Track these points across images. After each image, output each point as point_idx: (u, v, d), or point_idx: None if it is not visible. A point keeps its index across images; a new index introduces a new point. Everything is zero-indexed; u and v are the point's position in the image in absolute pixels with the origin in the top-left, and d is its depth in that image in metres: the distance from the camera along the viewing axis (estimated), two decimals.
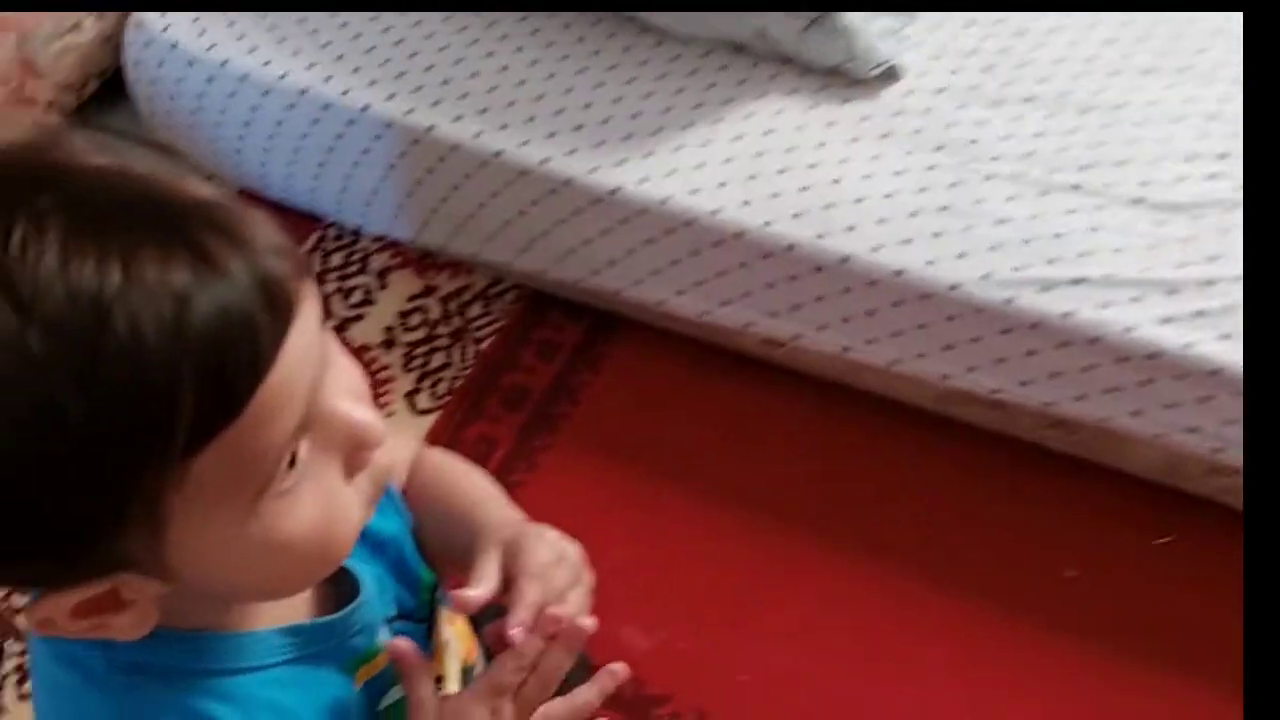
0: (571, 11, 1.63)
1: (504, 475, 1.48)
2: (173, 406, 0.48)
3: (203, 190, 0.52)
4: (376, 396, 1.57)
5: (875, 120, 1.50)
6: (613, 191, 1.51)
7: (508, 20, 1.65)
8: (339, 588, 0.68)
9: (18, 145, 0.52)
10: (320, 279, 1.68)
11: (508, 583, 0.68)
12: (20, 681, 1.31)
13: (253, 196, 1.73)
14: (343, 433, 0.56)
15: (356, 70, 1.60)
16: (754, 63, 1.61)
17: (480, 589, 0.67)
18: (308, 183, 1.68)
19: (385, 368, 1.60)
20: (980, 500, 1.47)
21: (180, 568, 0.54)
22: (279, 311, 0.51)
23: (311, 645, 0.65)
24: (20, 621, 1.34)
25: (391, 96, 1.58)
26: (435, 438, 1.49)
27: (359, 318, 1.64)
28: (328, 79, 1.59)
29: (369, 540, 0.70)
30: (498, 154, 1.54)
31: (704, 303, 1.55)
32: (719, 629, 1.39)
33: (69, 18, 1.68)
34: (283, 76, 1.60)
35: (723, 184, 1.51)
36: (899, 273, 1.40)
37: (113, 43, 1.72)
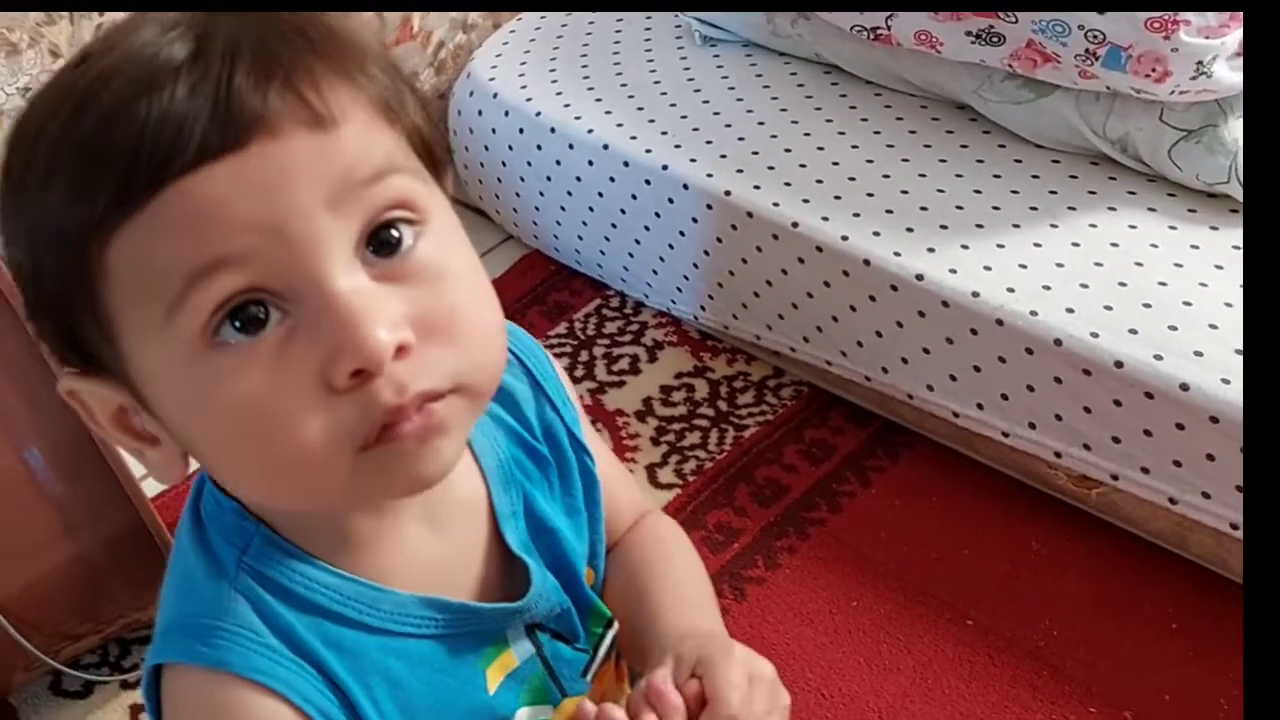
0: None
1: (740, 568, 1.31)
2: (101, 173, 0.47)
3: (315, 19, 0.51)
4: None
5: None
6: (917, 278, 1.33)
7: (833, 106, 1.54)
8: (512, 576, 0.62)
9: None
10: (589, 344, 1.58)
11: (692, 701, 0.58)
12: None
13: (547, 261, 1.69)
14: (322, 320, 0.48)
15: (665, 133, 1.52)
16: (1111, 176, 1.42)
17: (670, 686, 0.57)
18: (599, 244, 1.60)
19: (634, 436, 1.45)
20: None
21: (153, 399, 0.52)
22: (228, 124, 0.47)
23: (453, 627, 0.59)
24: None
25: (694, 160, 1.49)
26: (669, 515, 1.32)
27: (620, 384, 1.51)
28: (632, 137, 1.53)
29: (533, 524, 0.63)
30: (794, 225, 1.40)
31: (1006, 421, 1.33)
32: None
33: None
34: (590, 131, 1.55)
35: (1046, 286, 1.30)
36: None
37: (445, 101, 1.73)
